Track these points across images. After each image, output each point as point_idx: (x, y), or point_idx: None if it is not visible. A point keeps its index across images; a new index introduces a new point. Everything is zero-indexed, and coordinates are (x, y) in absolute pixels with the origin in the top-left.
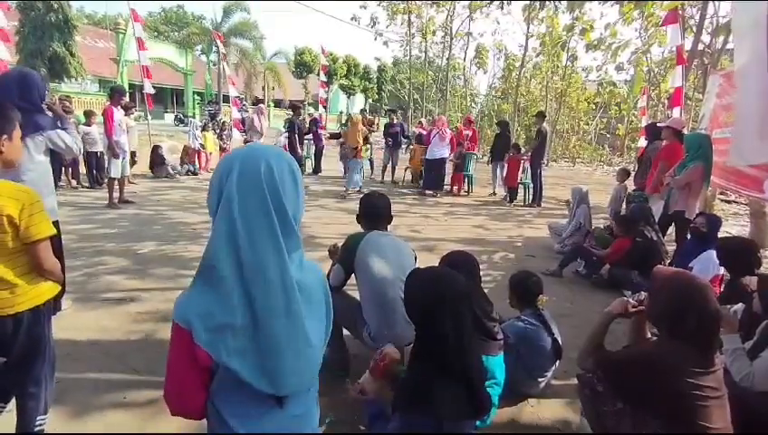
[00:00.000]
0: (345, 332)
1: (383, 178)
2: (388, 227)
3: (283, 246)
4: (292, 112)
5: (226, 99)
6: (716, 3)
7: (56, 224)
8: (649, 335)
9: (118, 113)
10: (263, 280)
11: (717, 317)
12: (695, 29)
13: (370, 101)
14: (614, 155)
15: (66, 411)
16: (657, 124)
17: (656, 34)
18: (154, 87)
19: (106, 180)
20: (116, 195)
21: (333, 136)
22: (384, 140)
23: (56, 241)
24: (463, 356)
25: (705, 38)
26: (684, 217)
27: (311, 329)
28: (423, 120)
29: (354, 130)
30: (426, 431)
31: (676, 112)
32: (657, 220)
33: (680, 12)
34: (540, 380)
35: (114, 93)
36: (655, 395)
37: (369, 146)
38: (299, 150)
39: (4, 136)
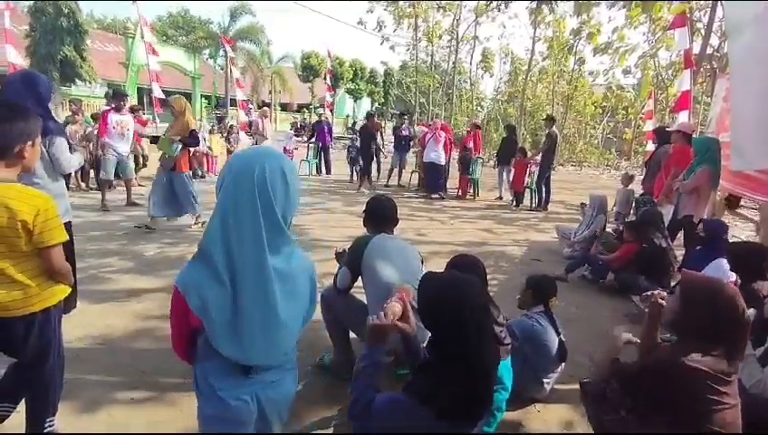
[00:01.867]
0: (351, 334)
1: (388, 181)
2: (395, 230)
3: (264, 241)
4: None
5: (234, 102)
6: (725, 5)
7: (68, 225)
8: (659, 341)
9: (114, 116)
10: (244, 267)
11: (746, 327)
12: (703, 32)
13: (377, 104)
14: (621, 159)
15: (73, 411)
16: (667, 128)
17: (663, 38)
18: (162, 91)
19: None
20: (122, 197)
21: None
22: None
23: (68, 243)
24: (482, 360)
25: (714, 41)
26: (692, 222)
27: (283, 310)
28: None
29: None
30: (435, 431)
31: (682, 116)
32: (666, 225)
33: (688, 15)
34: (545, 381)
35: (114, 97)
36: (674, 402)
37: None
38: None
39: (29, 142)
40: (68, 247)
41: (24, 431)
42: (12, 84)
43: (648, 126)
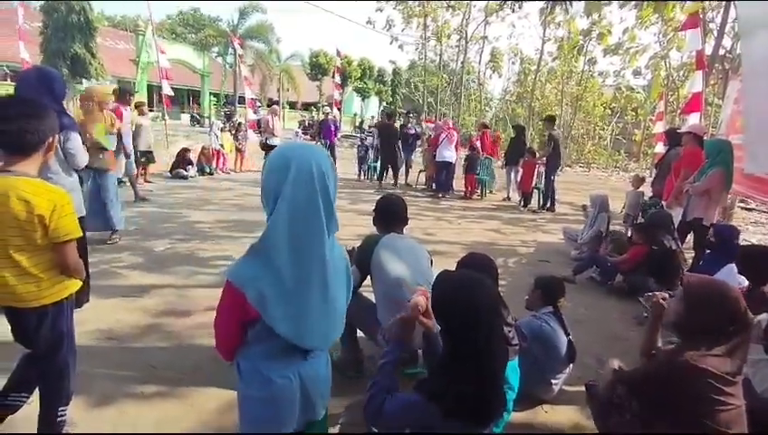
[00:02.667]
0: (359, 333)
1: (397, 181)
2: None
3: (325, 231)
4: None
5: (242, 100)
6: (737, 6)
7: (81, 220)
8: (660, 344)
9: (126, 112)
10: (311, 258)
11: (749, 326)
12: (715, 33)
13: (384, 103)
14: (630, 161)
15: (84, 405)
16: (678, 130)
17: (675, 39)
18: (171, 88)
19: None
20: (129, 193)
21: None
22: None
23: (80, 238)
24: (492, 361)
25: (727, 42)
26: (702, 225)
27: (337, 296)
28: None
29: None
30: (447, 431)
31: (693, 118)
32: (675, 227)
33: (700, 16)
34: (553, 382)
35: (122, 93)
36: (679, 403)
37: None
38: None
39: (52, 138)
40: (80, 242)
41: (36, 422)
42: (27, 80)
43: (659, 127)
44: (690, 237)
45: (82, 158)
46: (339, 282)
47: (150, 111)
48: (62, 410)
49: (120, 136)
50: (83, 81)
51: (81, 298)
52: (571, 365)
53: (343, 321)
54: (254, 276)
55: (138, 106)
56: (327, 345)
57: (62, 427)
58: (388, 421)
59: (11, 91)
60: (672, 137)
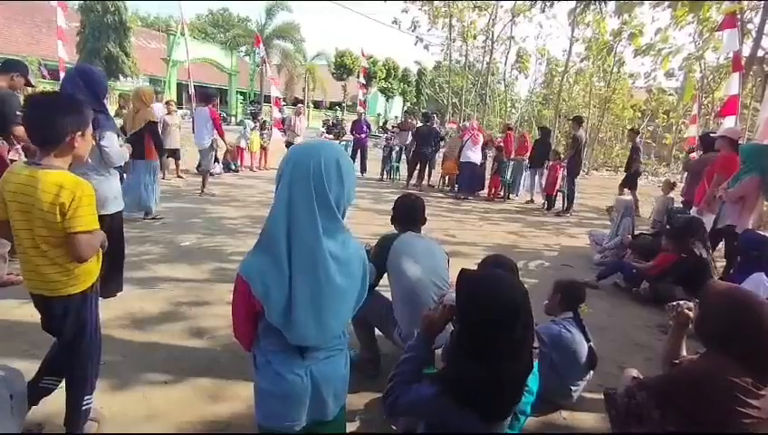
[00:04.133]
0: (376, 331)
1: (421, 182)
2: (422, 229)
3: (319, 227)
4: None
5: (268, 99)
6: None
7: (119, 215)
8: (684, 353)
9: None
10: (301, 253)
11: None
12: (754, 34)
13: (408, 104)
14: (660, 165)
15: (110, 390)
16: (711, 134)
17: (711, 40)
18: (200, 86)
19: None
20: (162, 188)
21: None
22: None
23: (116, 231)
24: (516, 361)
25: (766, 43)
26: (735, 232)
27: (345, 289)
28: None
29: None
30: (465, 431)
31: (728, 121)
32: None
33: (738, 16)
34: (573, 389)
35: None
36: (703, 413)
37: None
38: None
39: (78, 132)
40: (116, 235)
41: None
42: (71, 78)
43: (692, 131)
44: (721, 245)
45: (116, 157)
46: (348, 276)
47: (179, 108)
48: (88, 399)
49: None
50: (117, 79)
51: (110, 288)
52: (592, 372)
53: (343, 322)
54: (261, 270)
55: (167, 104)
56: (319, 345)
57: (88, 415)
58: (403, 413)
59: (47, 88)
60: (705, 142)
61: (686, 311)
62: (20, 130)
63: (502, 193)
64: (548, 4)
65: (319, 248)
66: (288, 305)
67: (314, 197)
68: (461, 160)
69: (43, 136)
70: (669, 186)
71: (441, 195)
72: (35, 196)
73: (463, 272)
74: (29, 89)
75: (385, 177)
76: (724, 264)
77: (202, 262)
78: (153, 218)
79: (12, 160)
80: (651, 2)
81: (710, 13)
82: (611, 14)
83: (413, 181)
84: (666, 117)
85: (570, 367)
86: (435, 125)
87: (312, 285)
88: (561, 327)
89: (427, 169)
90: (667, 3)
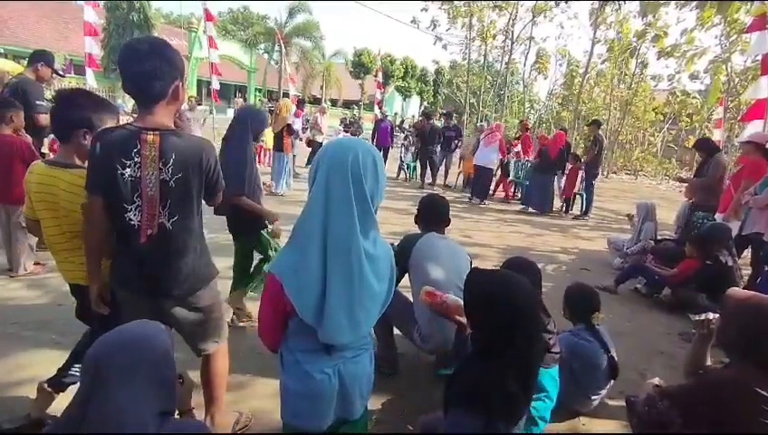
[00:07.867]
0: (395, 330)
1: (435, 181)
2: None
3: (357, 224)
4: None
5: (285, 96)
6: None
7: None
8: (709, 362)
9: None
10: (338, 250)
11: None
12: None
13: (426, 103)
14: (682, 169)
15: None
16: (709, 140)
17: (738, 41)
18: (219, 83)
19: None
20: None
21: None
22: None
23: None
24: (530, 362)
25: None
26: (762, 240)
27: (376, 288)
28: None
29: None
30: (477, 431)
31: (752, 126)
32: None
33: None
34: (593, 398)
35: None
36: (727, 423)
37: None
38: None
39: (84, 129)
40: None
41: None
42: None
43: (717, 135)
44: (747, 253)
45: None
46: (378, 275)
47: (199, 104)
48: None
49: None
50: None
51: None
52: (612, 381)
53: (374, 319)
54: (294, 268)
55: (188, 100)
56: (350, 343)
57: None
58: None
59: (73, 83)
60: (704, 147)
61: (711, 319)
62: (44, 119)
63: (518, 194)
64: (567, 3)
65: (357, 247)
66: (320, 304)
67: (352, 188)
68: (474, 163)
69: (55, 129)
70: (692, 190)
71: (457, 195)
72: (56, 194)
73: (472, 271)
74: (56, 78)
75: (401, 175)
76: (750, 272)
77: (221, 259)
78: None
79: (43, 154)
80: (677, 1)
81: (738, 14)
82: (635, 14)
83: (427, 180)
84: (689, 120)
85: (589, 376)
86: (451, 124)
87: (347, 283)
88: (579, 338)
89: (441, 168)
90: (694, 3)
